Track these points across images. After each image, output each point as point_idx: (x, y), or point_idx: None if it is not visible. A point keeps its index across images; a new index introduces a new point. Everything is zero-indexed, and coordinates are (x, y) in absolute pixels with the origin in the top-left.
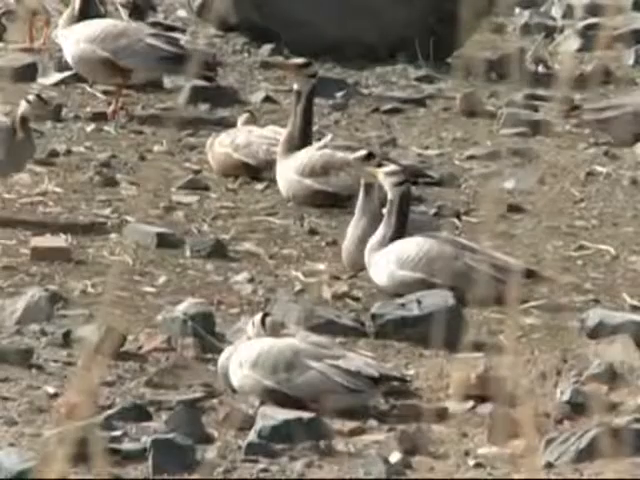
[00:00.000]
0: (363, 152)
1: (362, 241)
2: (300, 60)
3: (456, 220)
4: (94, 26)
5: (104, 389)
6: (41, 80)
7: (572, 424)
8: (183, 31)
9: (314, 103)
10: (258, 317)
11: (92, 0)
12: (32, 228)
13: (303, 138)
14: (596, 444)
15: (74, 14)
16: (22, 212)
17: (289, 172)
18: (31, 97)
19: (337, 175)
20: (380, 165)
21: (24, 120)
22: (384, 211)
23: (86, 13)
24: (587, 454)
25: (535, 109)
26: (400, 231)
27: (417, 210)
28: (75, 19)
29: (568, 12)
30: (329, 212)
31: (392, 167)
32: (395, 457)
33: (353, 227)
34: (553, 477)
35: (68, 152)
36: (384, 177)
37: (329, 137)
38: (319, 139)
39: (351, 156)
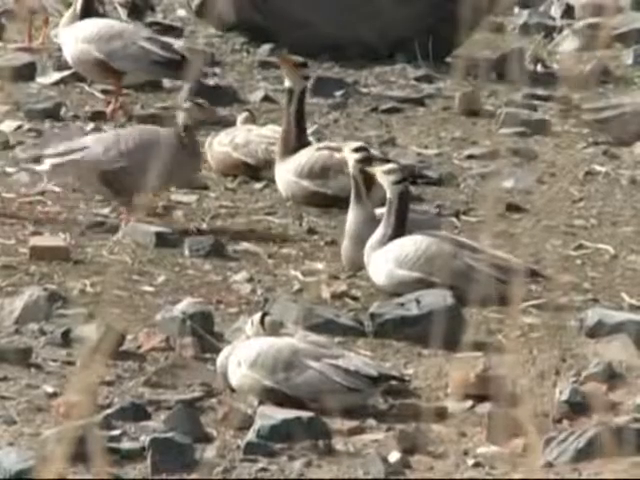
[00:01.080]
0: (355, 145)
1: (360, 240)
2: (299, 59)
3: (455, 219)
4: (91, 26)
5: (103, 388)
6: (40, 79)
7: (571, 423)
8: (181, 31)
9: (305, 104)
10: (257, 316)
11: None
12: (31, 227)
13: (299, 138)
14: (595, 443)
15: (76, 14)
16: (21, 211)
17: (287, 174)
18: (187, 104)
19: (335, 177)
20: (369, 160)
21: (187, 129)
22: (378, 211)
23: (88, 13)
24: (586, 453)
25: (534, 109)
26: (400, 230)
27: (419, 209)
28: (77, 18)
29: (567, 12)
30: (328, 212)
31: (390, 165)
32: (394, 456)
33: (349, 226)
34: (552, 476)
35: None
36: (382, 176)
37: (314, 127)
38: (319, 139)
39: (345, 154)
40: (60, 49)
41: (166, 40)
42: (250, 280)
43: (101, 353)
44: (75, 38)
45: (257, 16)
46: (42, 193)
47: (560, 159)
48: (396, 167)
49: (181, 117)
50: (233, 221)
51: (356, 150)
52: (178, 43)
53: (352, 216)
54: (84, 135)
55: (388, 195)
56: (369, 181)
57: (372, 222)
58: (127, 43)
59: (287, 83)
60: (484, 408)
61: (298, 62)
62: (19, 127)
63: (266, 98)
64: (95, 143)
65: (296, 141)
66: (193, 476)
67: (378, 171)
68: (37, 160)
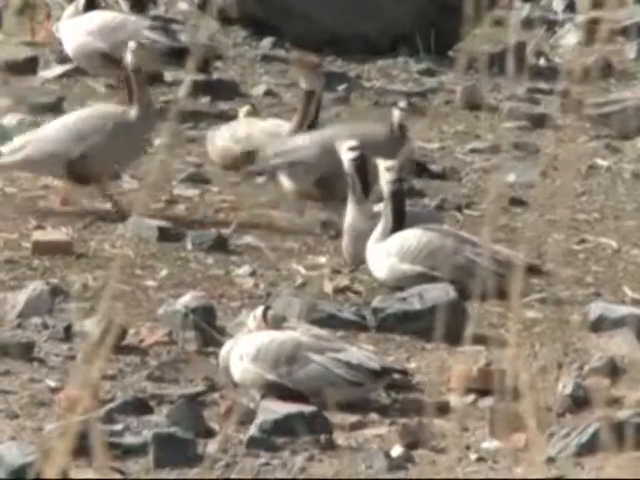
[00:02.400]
0: (351, 144)
1: (359, 236)
2: (314, 59)
3: (457, 213)
4: (93, 19)
5: (105, 383)
6: (42, 73)
7: (574, 418)
8: (183, 24)
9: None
10: (259, 310)
11: None
12: (33, 222)
13: None
14: (598, 438)
15: (78, 7)
16: (24, 206)
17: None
18: (402, 104)
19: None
20: (364, 158)
21: (402, 127)
22: (375, 207)
23: (91, 6)
24: (589, 448)
25: (536, 103)
26: (398, 225)
27: (419, 203)
28: (79, 12)
29: (569, 5)
30: (331, 205)
31: (391, 163)
32: (396, 451)
33: (348, 222)
34: (554, 471)
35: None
36: (383, 171)
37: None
38: None
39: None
40: (64, 42)
41: (170, 28)
42: (253, 274)
43: (103, 347)
44: (77, 31)
45: (259, 10)
46: (45, 188)
47: (562, 153)
48: (395, 165)
49: (396, 116)
50: (235, 215)
51: (351, 149)
52: (183, 31)
53: (350, 212)
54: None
55: (384, 192)
56: (366, 178)
57: (370, 218)
58: (130, 34)
59: (304, 85)
60: (486, 402)
61: (314, 63)
62: (21, 121)
63: (268, 92)
64: None
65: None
66: (195, 471)
67: (381, 165)
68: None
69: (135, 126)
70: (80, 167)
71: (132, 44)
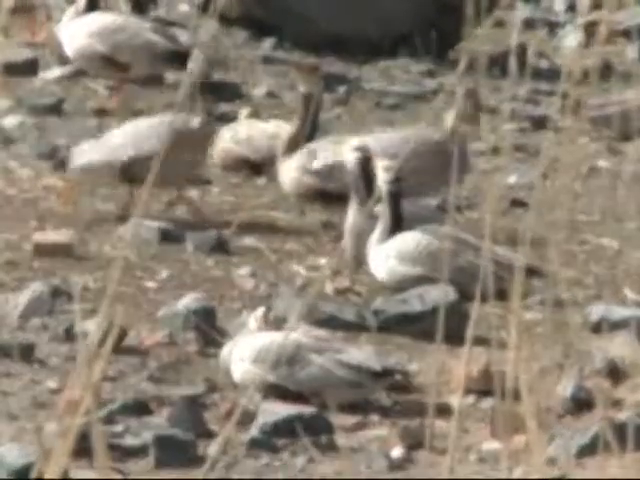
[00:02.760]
0: (355, 144)
1: (360, 237)
2: (312, 62)
3: (458, 215)
4: (93, 21)
5: (106, 384)
6: (43, 75)
7: (574, 419)
8: (184, 27)
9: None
10: (260, 312)
11: None
12: (34, 223)
13: (308, 140)
14: (599, 439)
15: (78, 9)
16: (24, 207)
17: (291, 171)
18: (453, 109)
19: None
20: (369, 159)
21: (455, 131)
22: (377, 208)
23: (92, 8)
24: (590, 449)
25: (537, 104)
26: (397, 226)
27: (420, 203)
28: (80, 14)
29: (571, 7)
30: (331, 207)
31: (389, 163)
32: (397, 452)
33: (349, 223)
34: (555, 472)
35: (69, 147)
36: (380, 172)
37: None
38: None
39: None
40: (64, 44)
41: (171, 31)
42: (253, 275)
43: (104, 349)
44: (78, 33)
45: (259, 11)
46: (45, 189)
47: (563, 154)
48: (393, 166)
49: (451, 119)
50: (236, 216)
51: (356, 149)
52: (183, 35)
53: (352, 213)
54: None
55: (382, 192)
56: (369, 179)
57: (371, 219)
58: (131, 36)
59: (303, 89)
60: (487, 404)
61: (313, 66)
62: (22, 123)
63: (269, 94)
64: None
65: (304, 142)
66: (196, 472)
67: (379, 166)
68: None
69: (197, 134)
70: (136, 172)
71: (198, 53)
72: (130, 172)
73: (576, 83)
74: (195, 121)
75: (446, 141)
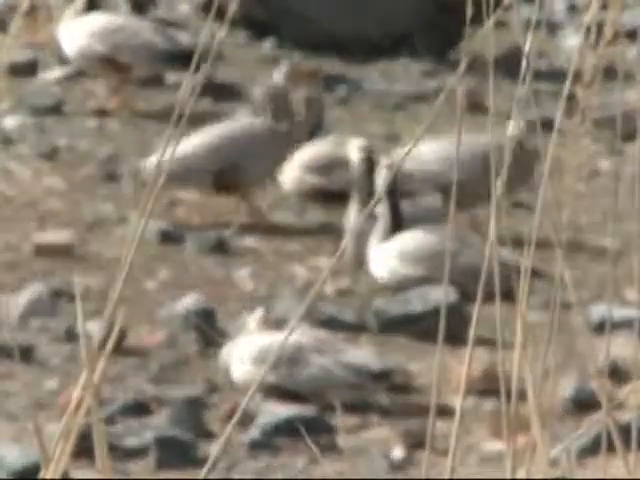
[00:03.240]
0: (359, 144)
1: (361, 237)
2: (311, 66)
3: (460, 215)
4: (94, 21)
5: (106, 385)
6: (43, 75)
7: (576, 420)
8: (184, 27)
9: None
10: (260, 312)
11: None
12: (34, 224)
13: (309, 139)
14: (601, 440)
15: (78, 9)
16: (24, 208)
17: (293, 170)
18: (522, 119)
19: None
20: (372, 159)
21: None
22: (377, 209)
23: (92, 8)
24: (592, 450)
25: (539, 105)
26: (398, 226)
27: (421, 203)
28: (80, 14)
29: (572, 7)
30: (331, 207)
31: (388, 161)
32: (398, 453)
33: (350, 222)
34: (557, 473)
35: (70, 148)
36: (379, 171)
37: None
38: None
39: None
40: (64, 44)
41: (171, 31)
42: (253, 276)
43: (104, 350)
44: (78, 33)
45: (260, 11)
46: (45, 190)
47: (564, 155)
48: (392, 164)
49: (522, 129)
50: (236, 217)
51: (360, 148)
52: (184, 34)
53: (353, 213)
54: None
55: (382, 192)
56: (371, 178)
57: (373, 219)
58: (131, 36)
59: (304, 93)
60: (489, 404)
61: (312, 71)
62: (22, 123)
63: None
64: None
65: (305, 142)
66: (196, 472)
67: (380, 165)
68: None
69: (283, 139)
70: (230, 179)
71: (284, 69)
72: (228, 180)
73: (578, 84)
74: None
75: (522, 150)
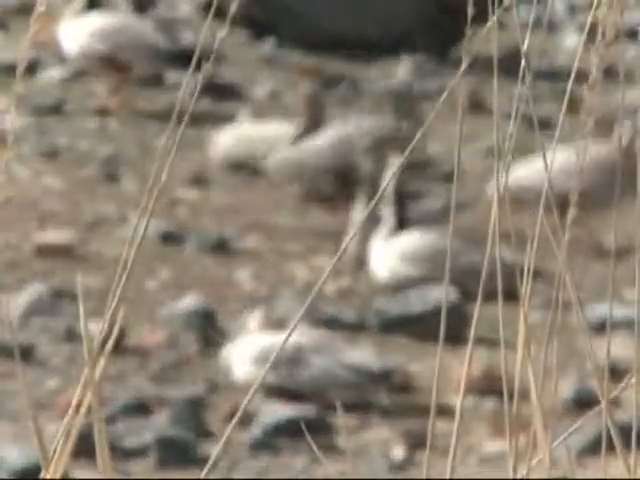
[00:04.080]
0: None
1: (363, 236)
2: (314, 63)
3: (460, 215)
4: (94, 20)
5: (107, 385)
6: (43, 75)
7: (576, 419)
8: (185, 26)
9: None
10: (261, 312)
11: None
12: (35, 224)
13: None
14: (600, 439)
15: (79, 8)
16: (24, 208)
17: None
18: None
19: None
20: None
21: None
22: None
23: (93, 7)
24: (592, 449)
25: (539, 104)
26: (400, 225)
27: (422, 205)
28: (81, 14)
29: (572, 7)
30: (333, 206)
31: (392, 161)
32: (398, 453)
33: (352, 222)
34: (557, 472)
35: (70, 148)
36: (386, 170)
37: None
38: None
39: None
40: (65, 44)
41: (172, 31)
42: (254, 276)
43: (105, 349)
44: (78, 33)
45: (259, 11)
46: (45, 190)
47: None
48: (397, 163)
49: (627, 132)
50: (237, 217)
51: (368, 149)
52: (186, 34)
53: (354, 213)
54: None
55: (386, 191)
56: (377, 178)
57: (374, 218)
58: (132, 36)
59: (307, 90)
60: (489, 404)
61: (315, 68)
62: (23, 123)
63: (270, 94)
64: None
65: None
66: (197, 472)
67: (386, 165)
68: None
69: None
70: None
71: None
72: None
73: (578, 83)
74: None
75: (626, 153)
